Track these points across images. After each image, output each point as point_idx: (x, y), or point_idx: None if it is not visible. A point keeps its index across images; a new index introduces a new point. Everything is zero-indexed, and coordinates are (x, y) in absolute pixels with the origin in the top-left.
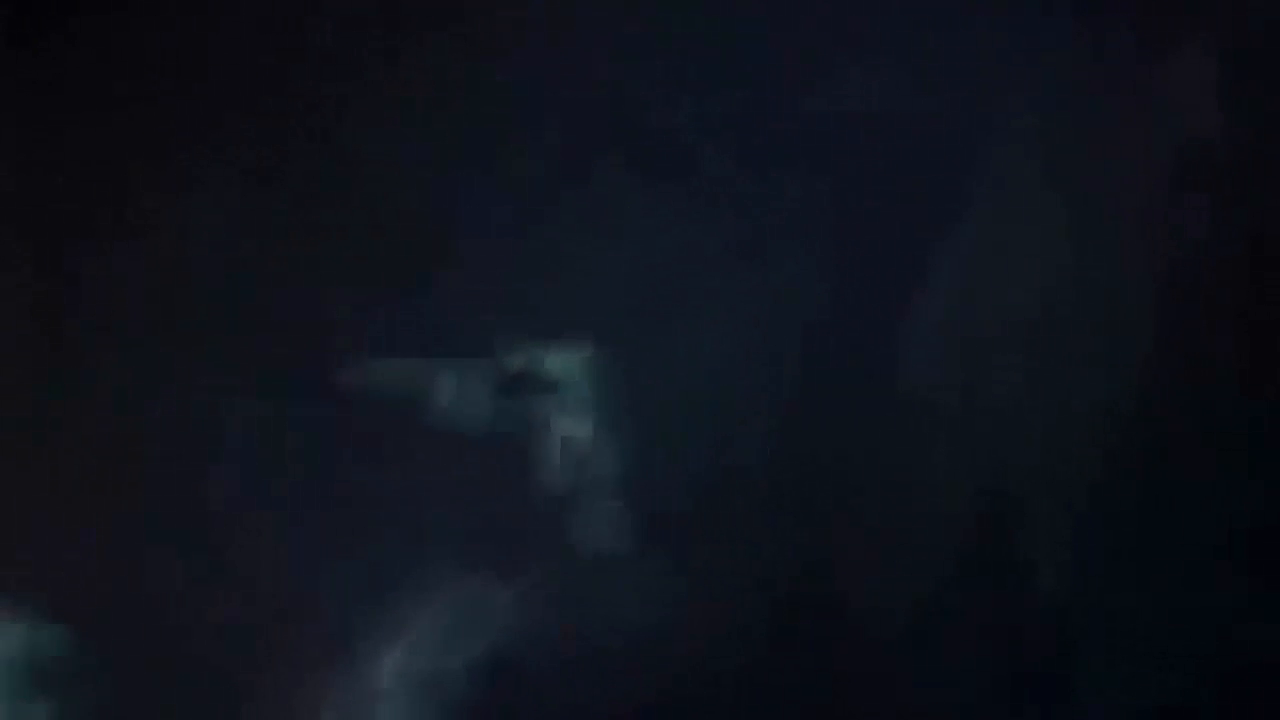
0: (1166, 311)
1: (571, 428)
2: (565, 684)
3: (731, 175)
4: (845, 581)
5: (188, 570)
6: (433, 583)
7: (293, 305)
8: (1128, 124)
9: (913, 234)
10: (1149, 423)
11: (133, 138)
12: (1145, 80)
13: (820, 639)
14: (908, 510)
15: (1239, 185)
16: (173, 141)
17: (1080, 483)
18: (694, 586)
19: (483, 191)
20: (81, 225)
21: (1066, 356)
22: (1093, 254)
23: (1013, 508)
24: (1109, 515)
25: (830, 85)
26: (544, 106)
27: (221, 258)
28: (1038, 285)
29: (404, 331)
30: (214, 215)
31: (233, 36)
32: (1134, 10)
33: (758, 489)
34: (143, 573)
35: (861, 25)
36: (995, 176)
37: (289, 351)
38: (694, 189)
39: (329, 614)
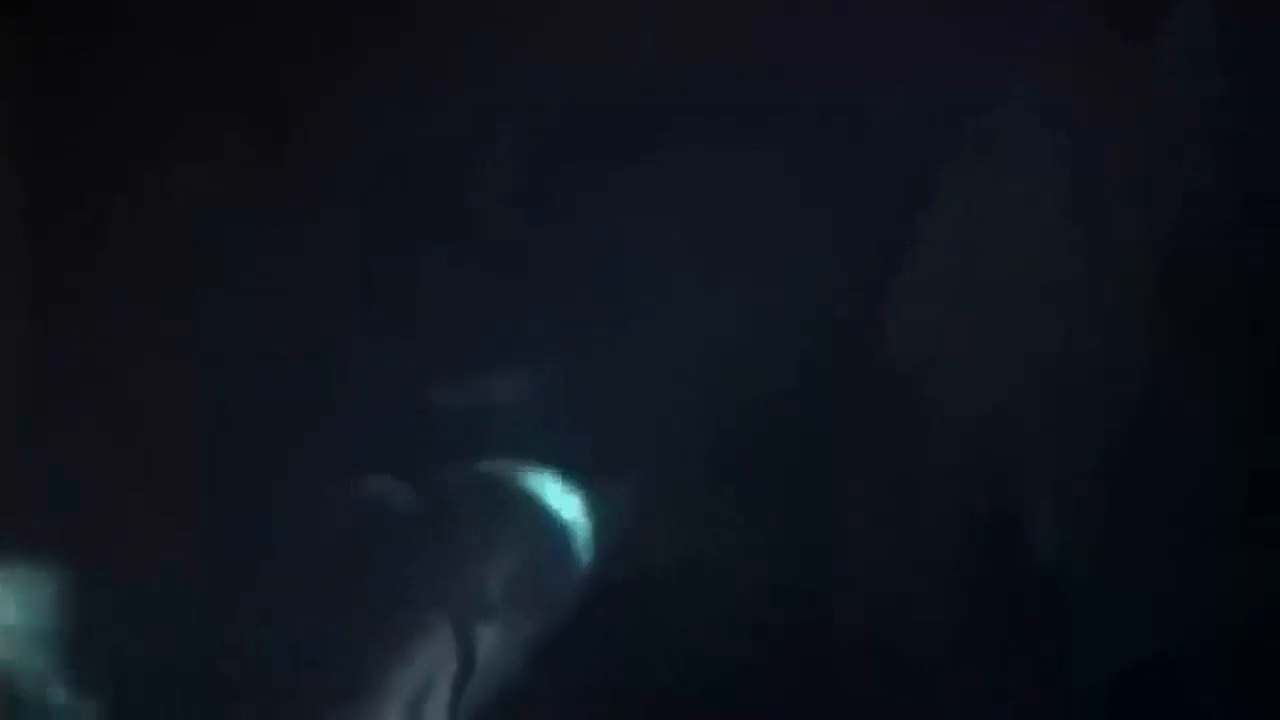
0: (1165, 275)
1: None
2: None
3: (721, 150)
4: (843, 556)
5: (190, 567)
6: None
7: (291, 300)
8: (1126, 84)
9: (908, 199)
10: (1148, 388)
11: (131, 128)
12: (1144, 39)
13: (819, 605)
14: (905, 482)
15: (1238, 146)
16: (171, 135)
17: (1080, 451)
18: (691, 568)
19: (478, 183)
20: (80, 215)
21: (1065, 322)
22: (1090, 217)
23: (1012, 477)
24: (1109, 483)
25: (821, 52)
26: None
27: (222, 250)
28: (1035, 251)
29: (402, 323)
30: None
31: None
32: None
33: (752, 468)
34: (144, 571)
35: None
36: (991, 141)
37: (288, 346)
38: (678, 164)
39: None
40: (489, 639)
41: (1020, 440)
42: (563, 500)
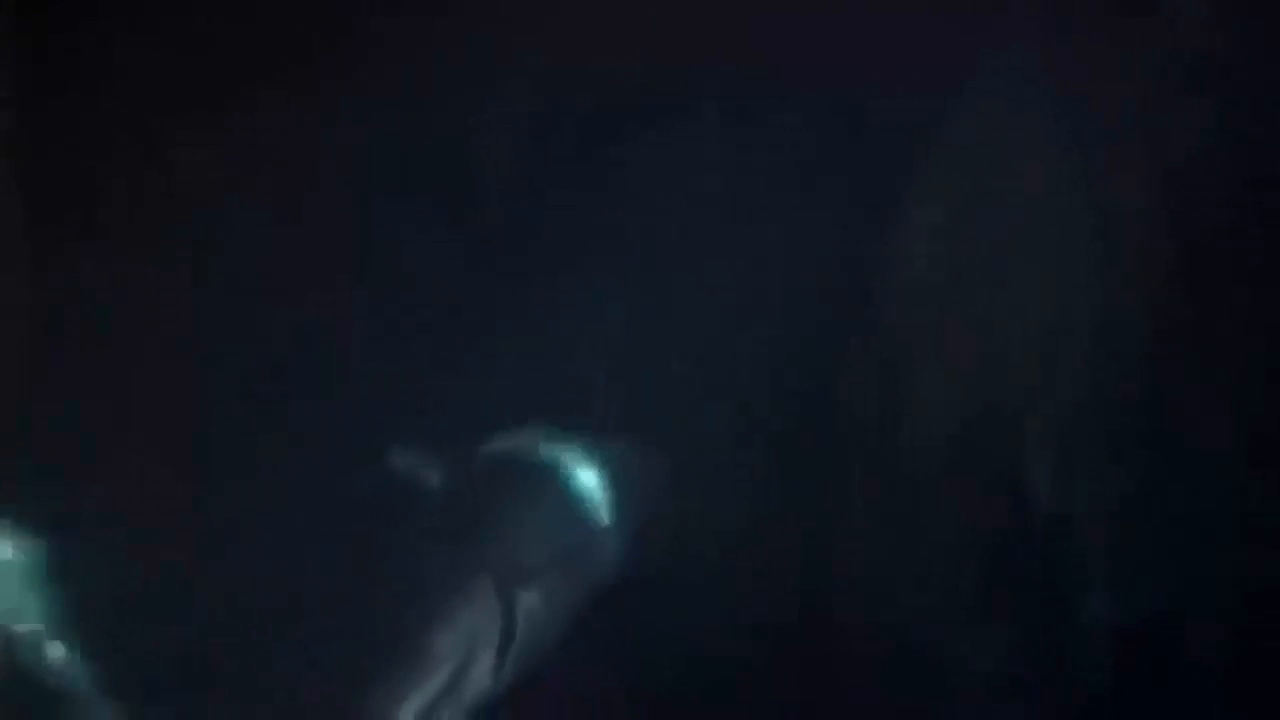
0: (1166, 223)
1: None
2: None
3: (722, 143)
4: (844, 554)
5: (195, 565)
6: None
7: (293, 296)
8: (1129, 36)
9: (909, 145)
10: (1148, 383)
11: (131, 128)
12: (1144, 16)
13: (820, 551)
14: (906, 481)
15: (1239, 96)
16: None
17: (1078, 396)
18: (692, 523)
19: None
20: (80, 215)
21: (1064, 268)
22: (1093, 165)
23: (1011, 422)
24: (1108, 429)
25: (822, 28)
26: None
27: (222, 248)
28: (1038, 198)
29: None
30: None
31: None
32: None
33: (752, 461)
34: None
35: None
36: (994, 89)
37: (295, 341)
38: (680, 156)
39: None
40: (529, 605)
41: (1021, 382)
42: (585, 472)
